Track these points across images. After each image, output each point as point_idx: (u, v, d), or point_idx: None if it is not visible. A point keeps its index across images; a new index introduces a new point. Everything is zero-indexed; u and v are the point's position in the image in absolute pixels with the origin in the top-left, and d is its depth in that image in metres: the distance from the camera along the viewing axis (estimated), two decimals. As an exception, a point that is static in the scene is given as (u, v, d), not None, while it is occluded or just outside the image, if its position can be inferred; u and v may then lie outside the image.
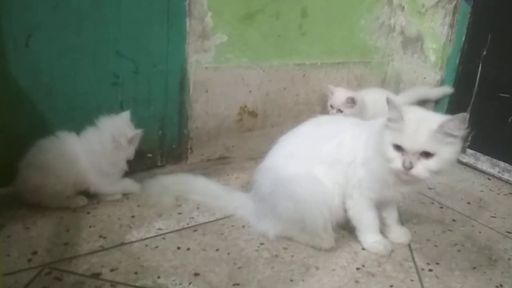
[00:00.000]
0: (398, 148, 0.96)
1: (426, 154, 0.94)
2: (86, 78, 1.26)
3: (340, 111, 1.68)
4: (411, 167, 0.94)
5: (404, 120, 0.95)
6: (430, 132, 0.93)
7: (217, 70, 1.49)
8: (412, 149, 0.94)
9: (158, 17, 1.32)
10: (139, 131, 1.25)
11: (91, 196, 1.23)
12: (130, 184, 1.29)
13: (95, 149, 1.19)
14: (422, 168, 0.95)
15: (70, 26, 1.20)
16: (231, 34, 1.48)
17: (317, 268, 1.05)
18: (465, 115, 0.92)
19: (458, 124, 0.92)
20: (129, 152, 1.24)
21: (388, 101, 0.98)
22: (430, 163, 0.94)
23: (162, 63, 1.36)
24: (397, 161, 0.96)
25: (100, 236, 1.09)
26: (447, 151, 0.94)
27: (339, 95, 1.68)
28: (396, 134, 0.96)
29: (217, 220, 1.21)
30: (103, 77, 1.28)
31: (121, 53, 1.28)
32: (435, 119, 0.95)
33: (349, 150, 1.10)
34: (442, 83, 1.82)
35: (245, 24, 1.50)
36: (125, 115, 1.26)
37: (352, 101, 1.65)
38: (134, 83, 1.33)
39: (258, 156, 1.68)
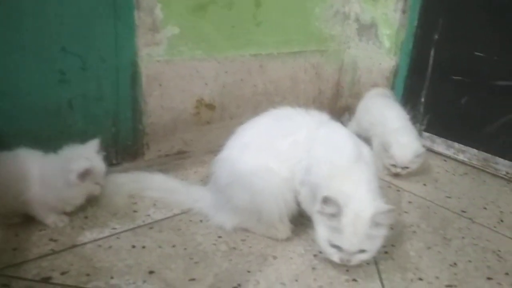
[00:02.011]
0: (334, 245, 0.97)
1: (361, 250, 0.97)
2: (30, 77, 1.20)
3: (406, 168, 1.52)
4: (349, 262, 0.98)
5: (341, 220, 0.94)
6: (366, 232, 0.94)
7: (170, 63, 1.46)
8: (350, 251, 0.96)
9: (104, 10, 1.27)
10: (97, 165, 1.10)
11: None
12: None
13: (47, 179, 1.06)
14: (357, 260, 0.98)
15: (9, 23, 1.14)
16: (182, 26, 1.45)
17: (274, 258, 1.05)
18: (391, 209, 0.96)
19: (388, 216, 0.96)
20: (86, 189, 1.09)
21: (326, 198, 0.94)
22: (364, 256, 0.98)
23: (111, 57, 1.32)
24: (335, 256, 0.98)
25: (51, 239, 1.05)
26: (378, 242, 0.98)
27: (405, 152, 1.52)
28: (334, 234, 0.96)
29: (174, 216, 1.19)
30: (49, 74, 1.23)
31: (66, 49, 1.24)
32: (368, 210, 0.94)
33: (301, 150, 1.10)
34: (397, 68, 1.84)
35: (197, 16, 1.48)
36: (92, 144, 1.13)
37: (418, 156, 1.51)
38: (83, 79, 1.29)
39: (217, 149, 1.66)
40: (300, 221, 1.20)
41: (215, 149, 1.63)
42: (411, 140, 1.50)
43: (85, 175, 1.06)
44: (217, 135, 1.65)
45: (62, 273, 0.94)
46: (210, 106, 1.62)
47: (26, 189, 1.04)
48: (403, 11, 1.80)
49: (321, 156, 1.06)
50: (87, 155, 1.10)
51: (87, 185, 1.08)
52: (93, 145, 1.13)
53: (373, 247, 0.97)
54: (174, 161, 1.54)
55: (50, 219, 1.10)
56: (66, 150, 1.10)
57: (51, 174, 1.06)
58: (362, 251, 0.96)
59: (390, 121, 1.56)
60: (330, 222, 0.95)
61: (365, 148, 1.12)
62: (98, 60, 1.31)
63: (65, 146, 1.11)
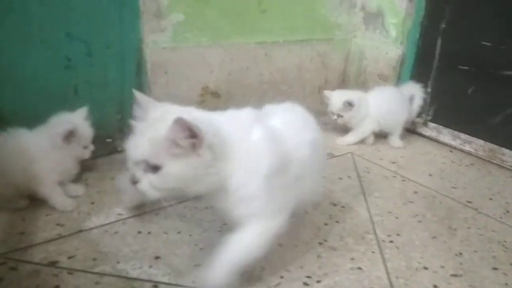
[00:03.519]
0: None
1: (154, 167, 0.76)
2: (37, 63, 1.20)
3: (340, 116, 1.68)
4: (136, 182, 0.78)
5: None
6: (155, 138, 0.75)
7: (175, 50, 1.45)
8: (133, 158, 0.78)
9: (110, -4, 1.27)
10: (83, 129, 1.16)
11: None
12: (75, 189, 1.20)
13: (40, 149, 1.10)
14: (146, 183, 0.78)
15: (16, 8, 1.14)
16: (187, 12, 1.44)
17: (280, 245, 1.04)
18: (182, 119, 0.70)
19: (178, 130, 0.72)
20: (74, 152, 1.15)
21: (135, 95, 0.82)
22: (154, 179, 0.76)
23: (117, 44, 1.32)
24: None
25: (58, 224, 1.06)
26: (174, 165, 0.75)
27: (335, 100, 1.68)
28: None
29: (179, 203, 1.19)
30: (54, 60, 1.23)
31: (72, 35, 1.23)
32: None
33: None
34: (403, 58, 1.83)
35: (202, 3, 1.46)
36: (80, 112, 1.18)
37: (349, 105, 1.65)
38: (88, 65, 1.28)
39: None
40: (305, 209, 1.20)
41: (220, 137, 1.65)
42: (347, 91, 1.73)
43: (69, 137, 1.12)
44: (222, 123, 1.65)
45: (69, 258, 0.94)
46: (216, 94, 1.61)
47: (28, 165, 1.08)
48: (410, 0, 1.78)
49: None
50: (72, 120, 1.14)
51: (75, 147, 1.15)
52: (81, 112, 1.19)
53: (167, 166, 0.75)
54: (179, 148, 1.53)
55: (57, 199, 1.12)
56: (53, 118, 1.15)
57: (42, 142, 1.10)
58: (154, 167, 0.75)
59: None
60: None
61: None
62: (103, 46, 1.30)
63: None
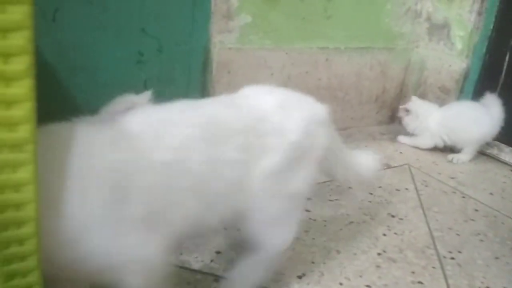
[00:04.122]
0: None
1: None
2: (111, 55, 1.25)
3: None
4: None
5: None
6: None
7: (240, 51, 1.47)
8: None
9: (183, -5, 1.31)
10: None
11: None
12: None
13: None
14: None
15: (95, 2, 1.19)
16: (255, 15, 1.46)
17: (338, 252, 1.04)
18: None
19: None
20: None
21: None
22: None
23: (186, 42, 1.35)
24: None
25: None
26: None
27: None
28: None
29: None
30: (128, 54, 1.27)
31: (146, 31, 1.28)
32: None
33: None
34: (467, 71, 1.78)
35: (270, 6, 1.48)
36: (145, 94, 1.23)
37: (406, 112, 1.76)
38: (158, 61, 1.32)
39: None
40: (363, 218, 1.19)
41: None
42: (420, 101, 1.78)
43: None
44: (278, 126, 1.66)
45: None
46: (274, 97, 1.62)
47: None
48: (479, 13, 1.73)
49: None
50: (135, 100, 1.12)
51: None
52: (146, 94, 1.17)
53: None
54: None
55: None
56: (118, 98, 1.15)
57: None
58: None
59: None
60: None
61: None
62: (173, 43, 1.34)
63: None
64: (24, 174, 0.48)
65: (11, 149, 0.47)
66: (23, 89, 0.47)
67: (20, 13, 0.45)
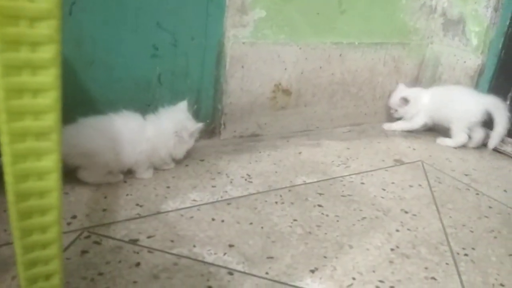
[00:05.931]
0: None
1: None
2: (127, 49, 1.26)
3: (396, 111, 1.84)
4: None
5: None
6: None
7: (254, 45, 1.47)
8: None
9: (198, -11, 1.31)
10: (200, 125, 1.29)
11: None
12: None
13: (154, 139, 1.22)
14: None
15: (113, -4, 1.21)
16: (269, 9, 1.46)
17: (350, 247, 1.04)
18: None
19: None
20: (189, 144, 1.30)
21: None
22: None
23: (200, 36, 1.36)
24: None
25: (137, 204, 1.11)
26: None
27: (395, 94, 1.84)
28: None
29: (250, 195, 1.22)
30: (143, 48, 1.29)
31: (161, 25, 1.29)
32: None
33: None
34: (482, 67, 1.76)
35: (284, 0, 1.48)
36: (183, 106, 1.29)
37: (404, 101, 1.79)
38: (173, 55, 1.33)
39: (290, 135, 1.67)
40: (376, 214, 1.19)
41: (288, 135, 1.66)
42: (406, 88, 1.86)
43: (193, 133, 1.29)
44: (290, 121, 1.67)
45: (148, 237, 0.99)
46: (287, 92, 1.62)
47: (137, 145, 1.19)
48: (495, 9, 1.71)
49: None
50: (185, 116, 1.28)
51: (191, 141, 1.30)
52: (184, 106, 1.30)
53: None
54: (248, 142, 1.56)
55: (147, 175, 1.25)
56: (164, 112, 1.27)
57: (160, 133, 1.23)
58: None
59: None
60: None
61: None
62: (188, 38, 1.35)
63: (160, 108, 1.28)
64: (48, 162, 0.49)
65: (36, 137, 0.48)
66: (50, 77, 0.47)
67: (48, 2, 0.45)
